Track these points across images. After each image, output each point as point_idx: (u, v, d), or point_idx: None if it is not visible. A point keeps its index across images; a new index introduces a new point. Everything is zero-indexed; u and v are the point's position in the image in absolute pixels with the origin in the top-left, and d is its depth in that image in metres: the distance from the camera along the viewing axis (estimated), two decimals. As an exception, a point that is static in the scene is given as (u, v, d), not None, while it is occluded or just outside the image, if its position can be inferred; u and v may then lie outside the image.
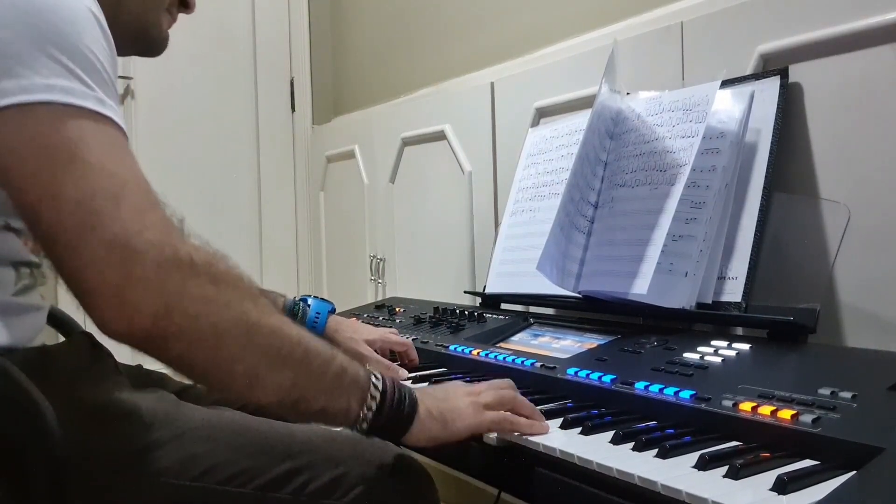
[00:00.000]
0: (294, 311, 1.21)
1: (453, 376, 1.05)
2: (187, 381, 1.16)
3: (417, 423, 0.77)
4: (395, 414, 0.76)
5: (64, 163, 0.64)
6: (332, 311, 1.24)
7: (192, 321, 0.65)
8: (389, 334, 1.25)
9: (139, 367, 1.06)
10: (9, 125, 0.64)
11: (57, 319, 1.06)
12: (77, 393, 0.78)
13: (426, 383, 1.06)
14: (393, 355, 1.21)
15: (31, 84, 0.64)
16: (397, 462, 0.84)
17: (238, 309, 0.68)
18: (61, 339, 1.00)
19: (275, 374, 0.69)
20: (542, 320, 1.24)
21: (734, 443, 0.71)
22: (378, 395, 0.75)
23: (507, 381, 0.87)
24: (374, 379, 0.76)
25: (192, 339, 0.65)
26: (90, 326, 0.88)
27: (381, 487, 0.81)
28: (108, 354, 0.88)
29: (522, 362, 1.02)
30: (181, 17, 0.94)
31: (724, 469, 0.63)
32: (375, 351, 1.19)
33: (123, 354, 0.88)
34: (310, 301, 1.23)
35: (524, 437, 0.79)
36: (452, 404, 0.80)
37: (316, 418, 0.75)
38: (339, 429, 0.88)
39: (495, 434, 0.81)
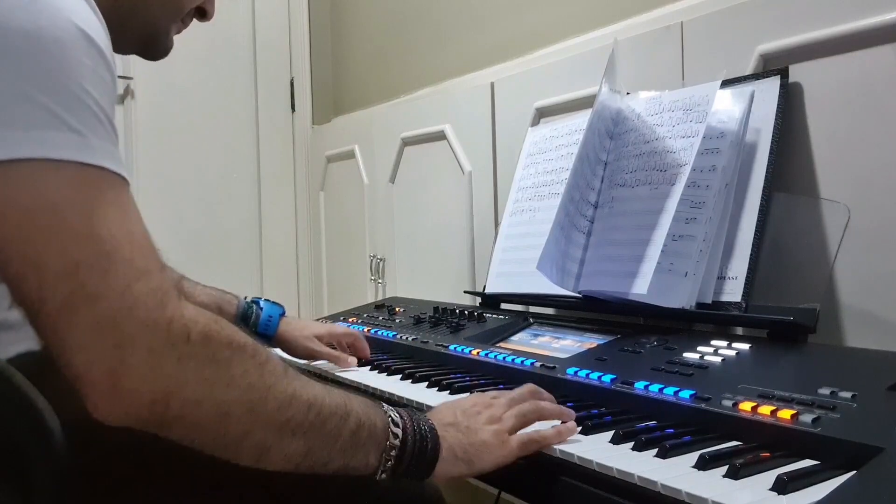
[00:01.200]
0: (247, 313, 1.23)
1: (453, 376, 1.05)
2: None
3: (440, 466, 0.74)
4: (416, 460, 0.73)
5: (46, 231, 0.57)
6: (283, 314, 1.27)
7: (192, 407, 0.61)
8: (336, 327, 1.29)
9: None
10: None
11: None
12: (77, 396, 0.77)
13: (398, 376, 1.08)
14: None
15: (9, 137, 0.57)
16: (417, 492, 0.83)
17: (243, 384, 0.63)
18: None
19: (285, 445, 0.66)
20: (542, 320, 1.24)
21: (734, 443, 0.71)
22: (398, 444, 0.71)
23: (528, 389, 0.84)
24: (392, 427, 0.72)
25: (193, 423, 0.62)
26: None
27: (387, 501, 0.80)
28: None
29: (522, 362, 1.02)
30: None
31: (724, 469, 0.63)
32: (326, 345, 1.24)
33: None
34: (262, 304, 1.25)
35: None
36: (476, 438, 0.76)
37: (335, 475, 0.71)
38: None
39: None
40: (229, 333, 0.64)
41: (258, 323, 1.23)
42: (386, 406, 0.75)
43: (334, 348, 1.24)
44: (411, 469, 0.73)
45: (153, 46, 0.87)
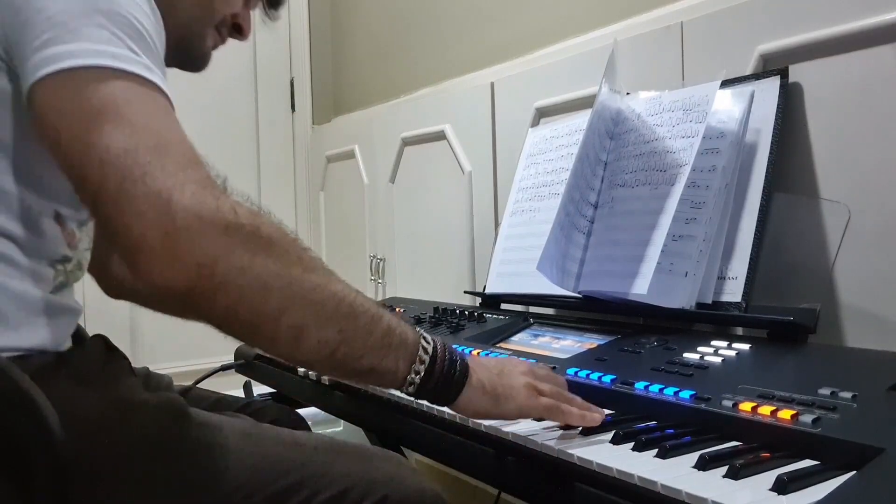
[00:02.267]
0: None
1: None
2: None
3: (467, 392, 0.76)
4: (445, 379, 0.75)
5: (110, 120, 0.65)
6: None
7: (237, 273, 0.65)
8: None
9: (146, 369, 1.06)
10: (58, 89, 0.65)
11: None
12: (87, 396, 0.77)
13: None
14: None
15: (79, 49, 0.66)
16: (406, 477, 0.82)
17: (284, 262, 0.67)
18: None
19: (321, 328, 0.69)
20: (542, 320, 1.24)
21: (734, 443, 0.71)
22: (427, 359, 0.74)
23: (563, 380, 0.86)
24: (423, 342, 0.75)
25: (237, 291, 0.65)
26: (100, 330, 0.88)
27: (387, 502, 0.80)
28: (123, 357, 0.87)
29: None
30: None
31: (724, 469, 0.63)
32: None
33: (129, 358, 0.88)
34: None
35: (530, 438, 0.77)
36: (507, 381, 0.79)
37: (363, 378, 0.74)
38: (345, 440, 0.87)
39: (511, 430, 0.79)
40: (272, 219, 0.70)
41: None
42: (419, 328, 0.78)
43: None
44: (439, 389, 0.75)
45: (189, 54, 0.91)
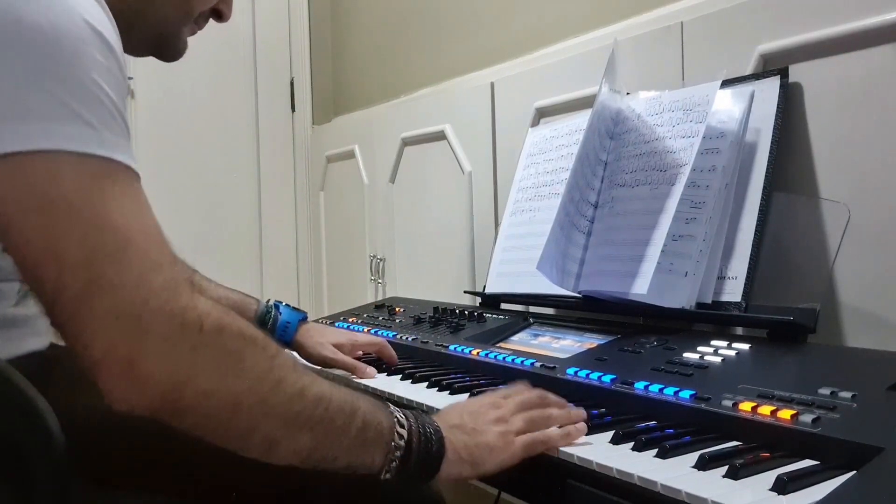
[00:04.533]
0: (265, 318, 1.21)
1: (454, 376, 1.05)
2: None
3: (445, 467, 0.74)
4: (421, 461, 0.73)
5: (64, 221, 0.59)
6: (304, 319, 1.25)
7: (205, 396, 0.62)
8: (359, 335, 1.25)
9: None
10: (6, 176, 0.59)
11: None
12: (81, 399, 0.77)
13: (398, 376, 1.08)
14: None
15: (28, 130, 0.59)
16: (416, 493, 0.83)
17: (252, 376, 0.64)
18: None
19: (293, 439, 0.66)
20: (542, 320, 1.24)
21: (734, 443, 0.71)
22: (403, 445, 0.72)
23: (538, 394, 0.84)
24: (398, 427, 0.72)
25: (204, 413, 0.63)
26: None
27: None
28: None
29: (522, 362, 1.02)
30: None
31: (724, 469, 0.63)
32: (346, 354, 1.20)
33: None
34: (282, 309, 1.23)
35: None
36: (482, 440, 0.76)
37: (339, 472, 0.71)
38: None
39: None
40: (241, 326, 0.65)
41: (275, 327, 1.21)
42: (392, 407, 0.75)
43: (360, 358, 1.20)
44: (416, 470, 0.73)
45: (165, 48, 0.87)
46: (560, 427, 0.77)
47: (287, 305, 1.25)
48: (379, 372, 1.15)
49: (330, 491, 0.77)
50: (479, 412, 0.80)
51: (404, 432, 0.72)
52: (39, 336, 0.81)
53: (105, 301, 0.59)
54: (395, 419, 0.73)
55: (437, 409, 0.84)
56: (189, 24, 0.87)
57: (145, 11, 0.81)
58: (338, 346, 1.20)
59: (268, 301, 1.24)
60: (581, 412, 0.80)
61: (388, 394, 1.01)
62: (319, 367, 1.20)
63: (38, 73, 0.60)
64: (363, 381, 1.09)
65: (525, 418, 0.78)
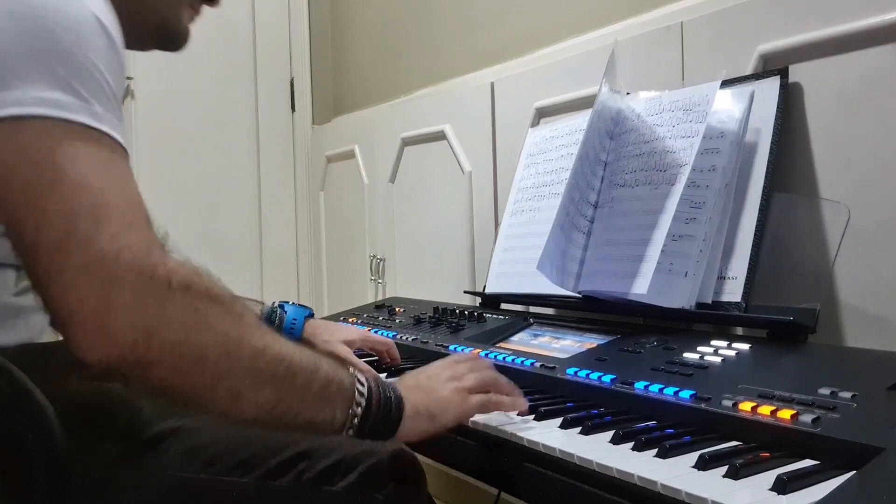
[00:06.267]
0: (271, 318, 1.22)
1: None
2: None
3: (405, 422, 0.78)
4: (381, 417, 0.76)
5: (48, 180, 0.62)
6: (311, 315, 1.26)
7: (171, 348, 0.64)
8: (371, 334, 1.27)
9: None
10: None
11: None
12: (75, 388, 0.78)
13: (397, 377, 1.07)
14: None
15: (23, 96, 0.63)
16: (389, 448, 0.84)
17: (219, 330, 0.67)
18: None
19: (257, 392, 0.69)
20: (542, 320, 1.24)
21: (734, 443, 0.71)
22: (363, 402, 0.75)
23: (486, 362, 0.91)
24: (358, 385, 0.76)
25: (171, 365, 0.65)
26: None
27: (374, 473, 0.81)
28: None
29: (522, 362, 1.02)
30: None
31: (724, 469, 0.63)
32: (355, 351, 1.21)
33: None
34: (287, 307, 1.24)
35: (524, 436, 0.78)
36: (438, 395, 0.81)
37: (300, 430, 0.74)
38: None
39: (482, 419, 0.84)
40: (208, 284, 0.68)
41: (282, 327, 1.22)
42: (352, 368, 0.79)
43: (372, 356, 1.22)
44: (378, 426, 0.76)
45: (167, 36, 0.89)
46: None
47: (293, 304, 1.26)
48: (379, 373, 1.15)
49: (326, 458, 0.79)
50: (434, 374, 0.85)
51: (364, 389, 0.76)
52: (36, 328, 0.81)
53: (79, 254, 0.61)
54: (356, 378, 0.77)
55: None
56: (186, 7, 0.89)
57: (141, 1, 0.83)
58: (348, 343, 1.22)
59: (273, 303, 1.24)
60: (524, 401, 0.86)
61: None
62: None
63: (39, 48, 0.64)
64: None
65: (476, 378, 0.85)
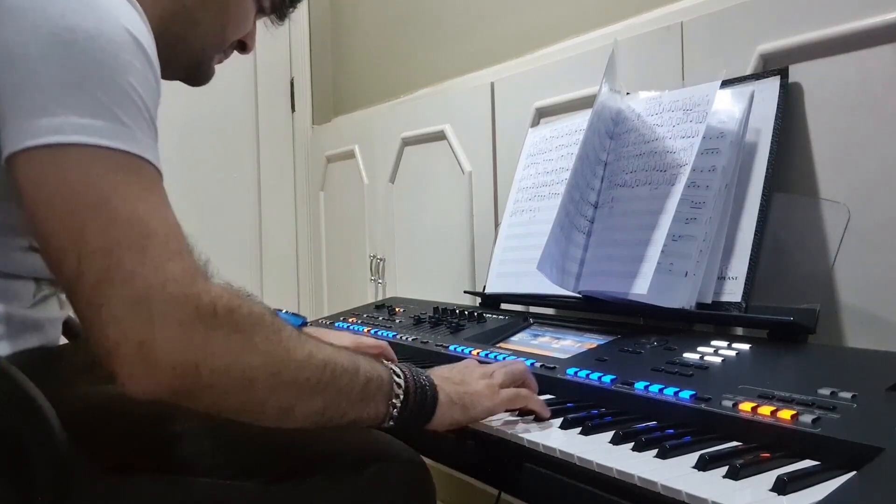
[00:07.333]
0: None
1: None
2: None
3: (439, 411, 0.79)
4: (418, 406, 0.78)
5: (91, 210, 0.62)
6: (305, 324, 1.30)
7: (219, 375, 0.65)
8: (363, 338, 1.28)
9: None
10: (40, 166, 0.63)
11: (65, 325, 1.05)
12: (79, 392, 0.78)
13: None
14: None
15: (64, 123, 0.63)
16: (394, 451, 0.86)
17: (264, 351, 0.67)
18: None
19: (306, 403, 0.71)
20: (542, 320, 1.24)
21: (734, 443, 0.71)
22: (402, 393, 0.77)
23: (520, 362, 0.92)
24: (395, 377, 0.78)
25: (221, 390, 0.66)
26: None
27: (378, 475, 0.81)
28: None
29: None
30: None
31: (724, 469, 0.63)
32: None
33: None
34: (281, 315, 1.24)
35: (524, 437, 0.79)
36: (470, 388, 0.83)
37: (347, 426, 0.76)
38: None
39: (495, 425, 0.83)
40: (250, 305, 0.69)
41: None
42: (387, 362, 0.80)
43: None
44: (415, 415, 0.78)
45: (196, 74, 0.93)
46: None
47: (287, 312, 1.28)
48: None
49: (324, 477, 0.80)
50: (466, 369, 0.88)
51: (402, 381, 0.78)
52: (51, 340, 0.81)
53: (123, 287, 0.61)
54: (393, 372, 0.79)
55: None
56: (220, 52, 0.93)
57: (187, 36, 0.86)
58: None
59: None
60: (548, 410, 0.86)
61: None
62: None
63: (80, 74, 0.64)
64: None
65: (506, 373, 0.87)
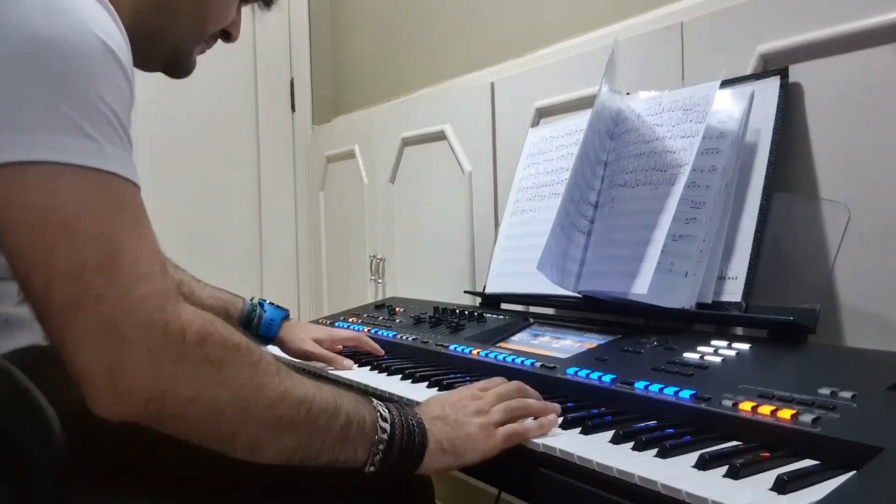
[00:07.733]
0: (251, 316, 1.27)
1: (453, 376, 1.05)
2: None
3: (428, 457, 0.76)
4: (404, 454, 0.75)
5: (57, 232, 0.60)
6: (286, 317, 1.32)
7: (186, 405, 0.64)
8: (339, 331, 1.32)
9: None
10: (4, 184, 0.59)
11: None
12: (78, 392, 0.77)
13: (398, 376, 1.09)
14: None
15: (30, 141, 0.59)
16: None
17: (235, 383, 0.66)
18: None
19: (277, 440, 0.69)
20: (542, 320, 1.24)
21: (734, 442, 0.71)
22: (386, 438, 0.74)
23: (516, 385, 0.86)
24: (381, 422, 0.75)
25: (187, 421, 0.65)
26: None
27: (384, 484, 0.81)
28: None
29: (522, 362, 1.02)
30: None
31: (724, 469, 0.63)
32: (345, 348, 1.27)
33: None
34: (266, 307, 1.30)
35: (531, 440, 0.78)
36: (463, 431, 0.78)
37: (324, 468, 0.74)
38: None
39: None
40: (224, 334, 0.66)
41: (260, 325, 1.28)
42: (375, 402, 0.77)
43: (340, 352, 1.26)
44: (399, 462, 0.75)
45: (176, 66, 0.89)
46: (536, 419, 0.80)
47: (271, 304, 1.31)
48: (360, 366, 1.21)
49: (319, 479, 0.78)
50: (460, 404, 0.82)
51: (387, 426, 0.75)
52: (39, 337, 0.81)
53: (90, 312, 0.60)
54: (378, 413, 0.75)
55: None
56: (201, 43, 0.90)
57: (164, 29, 0.83)
58: (318, 341, 1.26)
59: (252, 299, 1.30)
60: (556, 406, 0.83)
61: (389, 393, 1.01)
62: (300, 360, 1.26)
63: (44, 87, 0.60)
64: (365, 382, 1.09)
65: (504, 409, 0.81)
